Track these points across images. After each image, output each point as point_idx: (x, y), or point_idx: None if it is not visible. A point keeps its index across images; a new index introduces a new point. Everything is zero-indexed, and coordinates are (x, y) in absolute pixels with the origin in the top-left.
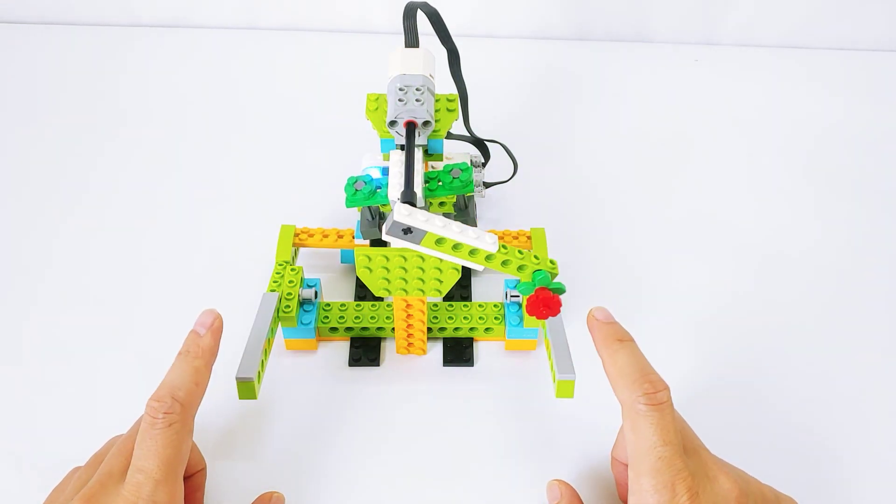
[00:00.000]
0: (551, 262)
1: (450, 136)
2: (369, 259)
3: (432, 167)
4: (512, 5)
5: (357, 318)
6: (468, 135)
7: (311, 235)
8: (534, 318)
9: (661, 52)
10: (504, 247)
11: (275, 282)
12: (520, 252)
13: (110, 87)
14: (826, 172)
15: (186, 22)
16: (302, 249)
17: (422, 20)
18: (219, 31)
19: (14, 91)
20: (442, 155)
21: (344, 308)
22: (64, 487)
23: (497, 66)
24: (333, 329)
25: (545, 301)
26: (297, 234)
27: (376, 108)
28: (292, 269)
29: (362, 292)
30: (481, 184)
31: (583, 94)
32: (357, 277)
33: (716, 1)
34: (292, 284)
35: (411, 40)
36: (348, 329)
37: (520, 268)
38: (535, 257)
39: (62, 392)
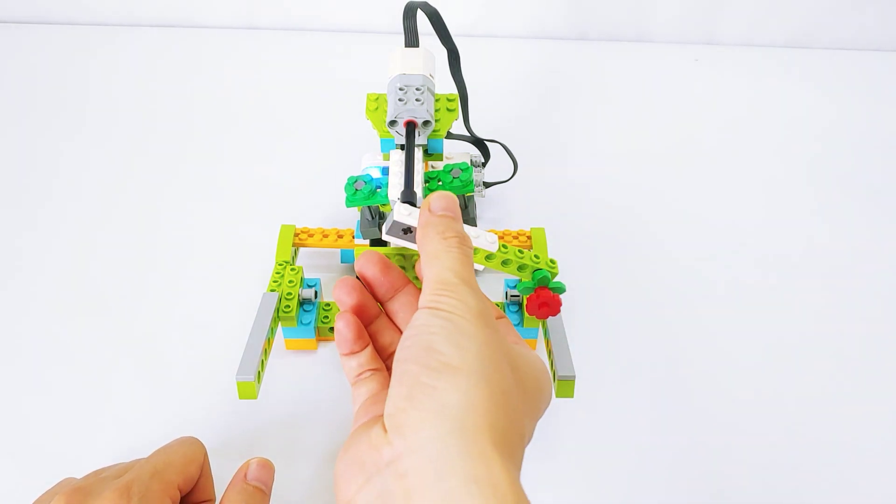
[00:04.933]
0: (551, 261)
1: (450, 136)
2: None
3: (432, 167)
4: (512, 5)
5: None
6: (468, 135)
7: (311, 235)
8: (534, 317)
9: (661, 52)
10: (504, 246)
11: (275, 282)
12: (520, 252)
13: (110, 87)
14: (826, 172)
15: (186, 22)
16: (302, 249)
17: (422, 20)
18: (218, 31)
19: (13, 91)
20: (442, 155)
21: None
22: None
23: (497, 66)
24: (333, 329)
25: (545, 301)
26: (297, 234)
27: (376, 108)
28: (292, 269)
29: None
30: (481, 184)
31: (583, 95)
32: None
33: (716, 1)
34: (292, 284)
35: (411, 40)
36: None
37: (520, 267)
38: (535, 257)
39: (60, 393)
